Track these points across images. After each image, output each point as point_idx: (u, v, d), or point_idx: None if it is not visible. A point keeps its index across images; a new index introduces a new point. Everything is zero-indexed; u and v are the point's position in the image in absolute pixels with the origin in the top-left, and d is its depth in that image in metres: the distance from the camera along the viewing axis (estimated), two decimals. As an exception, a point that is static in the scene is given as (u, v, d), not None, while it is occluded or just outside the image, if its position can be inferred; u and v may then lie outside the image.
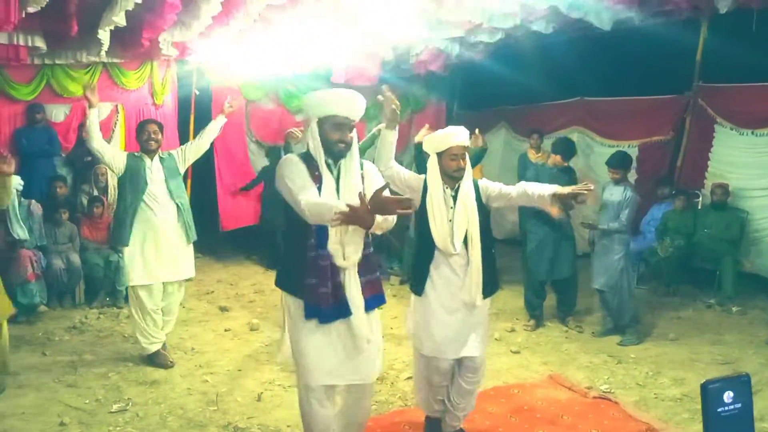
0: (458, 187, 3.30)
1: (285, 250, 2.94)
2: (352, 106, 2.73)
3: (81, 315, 5.98)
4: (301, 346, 2.77)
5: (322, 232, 2.65)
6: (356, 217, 2.43)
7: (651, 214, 7.26)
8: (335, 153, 2.72)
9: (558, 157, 5.68)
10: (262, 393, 4.23)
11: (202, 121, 8.15)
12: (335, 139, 2.69)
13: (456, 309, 3.29)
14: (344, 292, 2.71)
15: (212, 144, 5.15)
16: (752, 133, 6.69)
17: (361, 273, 2.77)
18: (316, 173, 2.70)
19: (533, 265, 5.77)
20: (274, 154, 8.09)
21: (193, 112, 8.05)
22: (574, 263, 5.73)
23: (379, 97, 3.17)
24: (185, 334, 5.49)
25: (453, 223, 3.26)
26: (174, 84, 7.72)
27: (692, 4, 6.23)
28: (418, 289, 3.38)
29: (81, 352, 4.99)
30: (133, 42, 5.98)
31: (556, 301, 5.97)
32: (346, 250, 2.70)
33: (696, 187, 7.19)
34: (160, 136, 4.65)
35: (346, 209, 2.41)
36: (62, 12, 5.00)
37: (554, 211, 3.46)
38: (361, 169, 2.85)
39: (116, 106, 7.39)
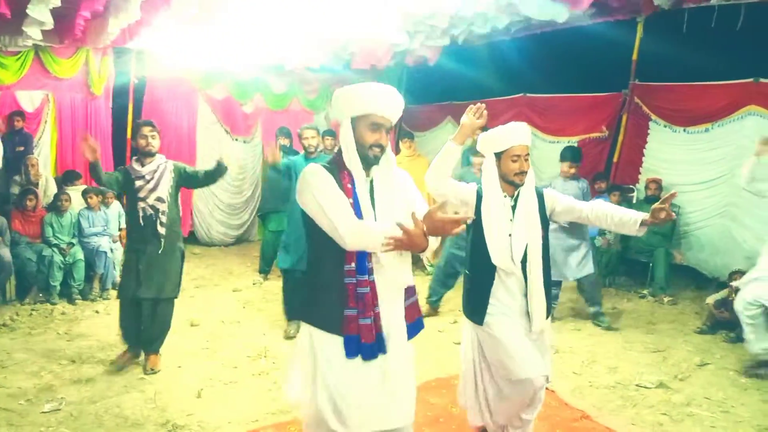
0: (518, 194, 2.94)
1: (311, 277, 2.43)
2: (391, 103, 2.32)
3: (12, 312, 5.74)
4: (341, 391, 2.30)
5: (363, 255, 2.28)
6: (411, 241, 2.11)
7: (589, 209, 7.47)
8: (368, 158, 2.30)
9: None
10: (202, 389, 4.15)
11: (142, 110, 7.99)
12: (370, 142, 2.29)
13: (520, 334, 2.95)
14: (381, 323, 2.32)
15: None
16: (684, 130, 6.99)
17: (404, 297, 2.43)
18: (348, 185, 2.29)
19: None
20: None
21: (132, 101, 7.81)
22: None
23: (470, 113, 2.88)
24: (123, 331, 5.33)
25: (512, 237, 2.89)
26: (110, 72, 7.46)
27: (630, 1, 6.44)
28: (478, 317, 2.99)
29: (11, 351, 4.79)
30: (67, 28, 5.74)
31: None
32: (398, 275, 2.36)
33: (631, 182, 7.46)
34: None
35: (399, 234, 2.10)
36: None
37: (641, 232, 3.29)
38: None
39: (47, 95, 7.10)
